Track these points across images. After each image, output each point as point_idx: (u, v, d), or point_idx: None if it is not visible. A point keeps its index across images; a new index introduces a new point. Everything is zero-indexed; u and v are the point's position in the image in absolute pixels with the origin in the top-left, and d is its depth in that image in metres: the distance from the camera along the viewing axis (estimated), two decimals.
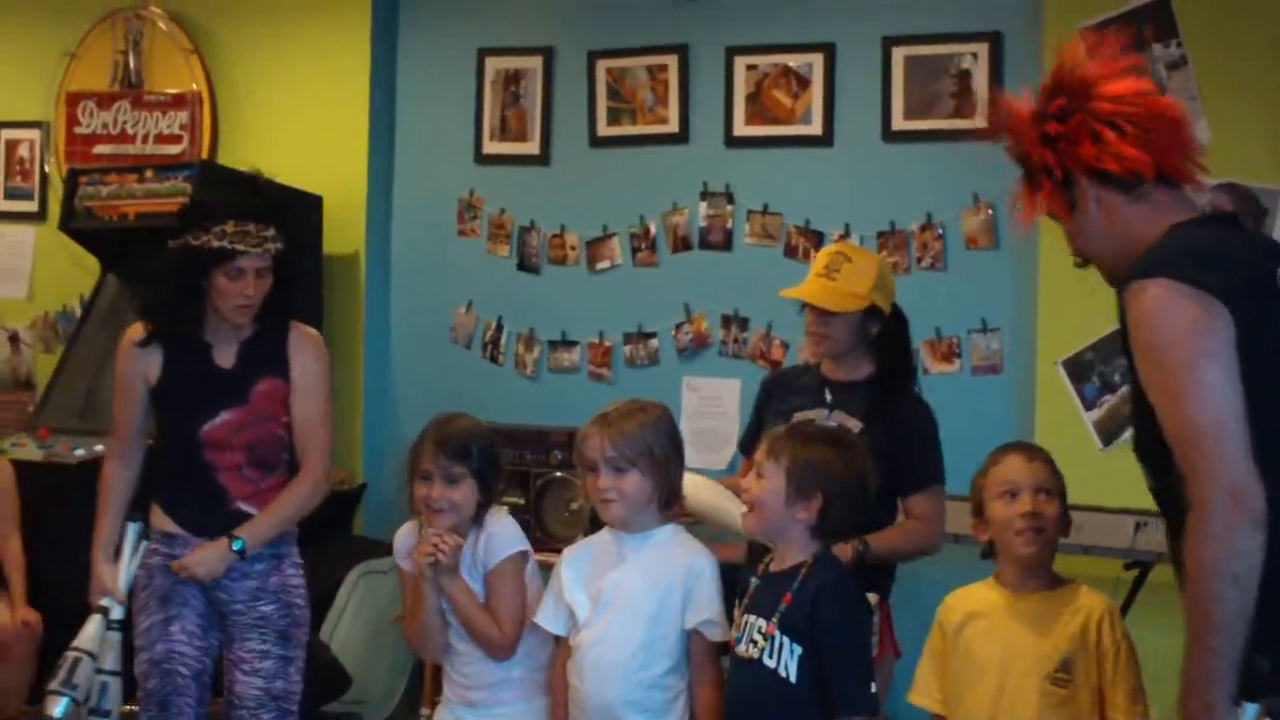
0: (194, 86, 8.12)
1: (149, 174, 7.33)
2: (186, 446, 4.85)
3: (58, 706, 4.74)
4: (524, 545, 4.33)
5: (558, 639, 4.25)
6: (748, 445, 5.13)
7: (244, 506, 4.88)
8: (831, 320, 4.89)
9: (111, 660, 4.87)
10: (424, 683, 6.54)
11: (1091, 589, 4.07)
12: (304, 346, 5.02)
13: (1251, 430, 2.91)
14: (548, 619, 4.22)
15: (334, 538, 7.16)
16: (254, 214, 4.81)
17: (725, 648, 4.07)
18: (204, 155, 7.96)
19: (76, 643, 4.81)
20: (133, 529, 4.94)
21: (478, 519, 4.33)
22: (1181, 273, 2.99)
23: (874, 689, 3.76)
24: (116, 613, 4.90)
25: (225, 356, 4.91)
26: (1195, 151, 3.31)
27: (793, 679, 3.77)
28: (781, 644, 3.81)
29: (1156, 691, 4.83)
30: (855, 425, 4.79)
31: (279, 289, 4.91)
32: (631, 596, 4.06)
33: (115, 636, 4.89)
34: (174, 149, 8.07)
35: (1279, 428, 2.95)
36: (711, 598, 4.03)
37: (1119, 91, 3.24)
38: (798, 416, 4.82)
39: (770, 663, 3.81)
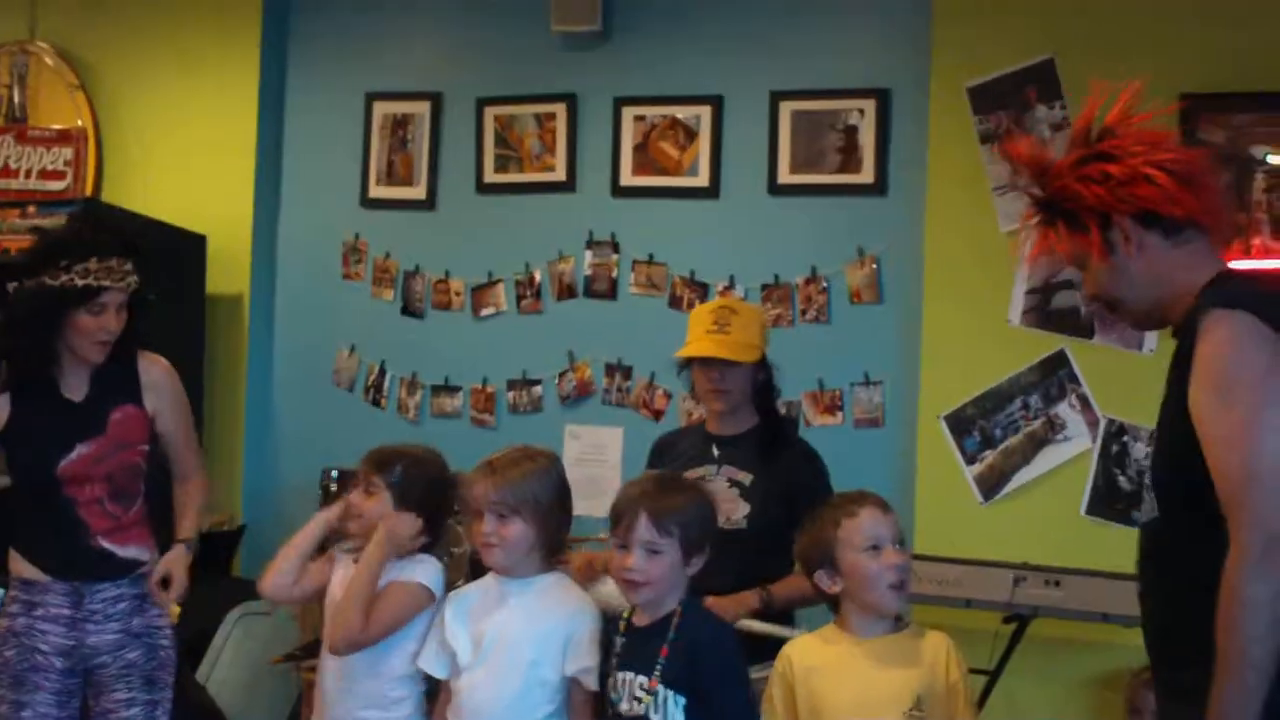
0: (79, 123, 8.03)
1: (32, 209, 7.25)
2: (44, 484, 4.77)
3: None
4: (435, 587, 4.28)
5: (439, 682, 4.22)
6: None
7: (105, 544, 4.82)
8: (730, 373, 4.93)
9: None
10: None
11: (930, 628, 4.09)
12: (153, 370, 5.00)
13: None
14: (429, 662, 4.20)
15: (213, 578, 7.09)
16: (114, 249, 4.77)
17: (602, 706, 4.07)
18: (88, 192, 7.87)
19: None
20: None
21: (410, 552, 4.33)
22: (1264, 311, 3.02)
23: None
24: None
25: (75, 389, 4.84)
26: (1229, 207, 3.34)
27: None
28: (665, 697, 3.81)
29: None
30: (746, 477, 4.85)
31: (129, 321, 4.85)
32: (513, 641, 4.05)
33: None
34: (58, 185, 7.98)
35: None
36: (592, 646, 4.02)
37: (1159, 139, 3.28)
38: (687, 475, 4.77)
39: (657, 718, 3.81)
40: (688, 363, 5.05)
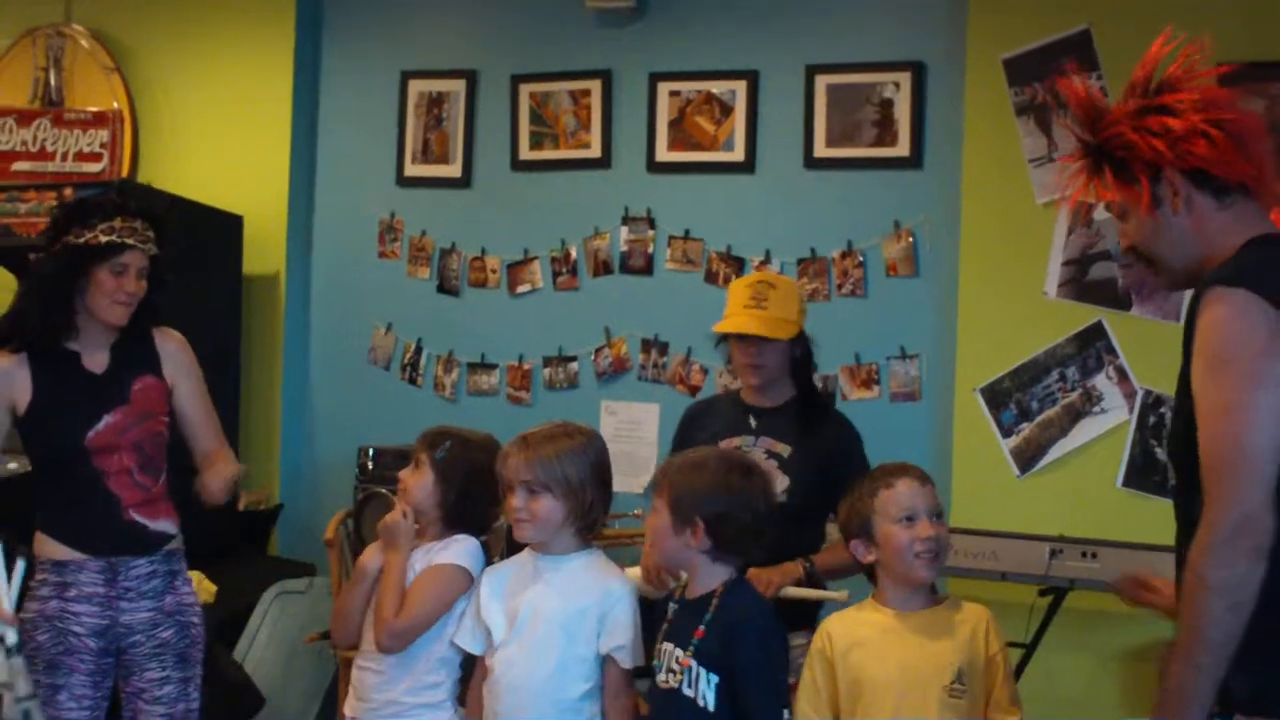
0: (115, 105, 8.06)
1: (68, 192, 7.21)
2: (72, 458, 4.77)
3: None
4: (470, 565, 4.28)
5: (474, 659, 4.23)
6: None
7: (137, 517, 4.83)
8: (767, 349, 4.95)
9: (24, 686, 4.81)
10: (339, 703, 6.50)
11: (969, 601, 4.09)
12: (169, 344, 5.01)
13: None
14: (465, 638, 4.20)
15: (250, 557, 7.13)
16: (141, 213, 4.80)
17: (645, 672, 4.07)
18: (124, 174, 7.90)
19: None
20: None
21: (438, 532, 4.36)
22: (1264, 287, 2.99)
23: (787, 715, 3.75)
24: (11, 638, 4.83)
25: (96, 361, 4.84)
26: (1275, 171, 3.31)
27: (711, 707, 3.77)
28: (698, 674, 3.81)
29: (1074, 712, 4.90)
30: (785, 449, 4.86)
31: (147, 294, 4.86)
32: (547, 618, 4.04)
33: (18, 662, 4.83)
34: (94, 167, 8.01)
35: None
36: (626, 624, 4.02)
37: (1219, 99, 3.24)
38: (724, 444, 4.84)
39: (689, 693, 3.81)
40: (724, 337, 5.05)
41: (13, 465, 6.26)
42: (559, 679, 4.02)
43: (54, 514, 4.83)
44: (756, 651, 3.77)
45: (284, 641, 6.67)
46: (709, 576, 3.91)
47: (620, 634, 4.00)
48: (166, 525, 4.91)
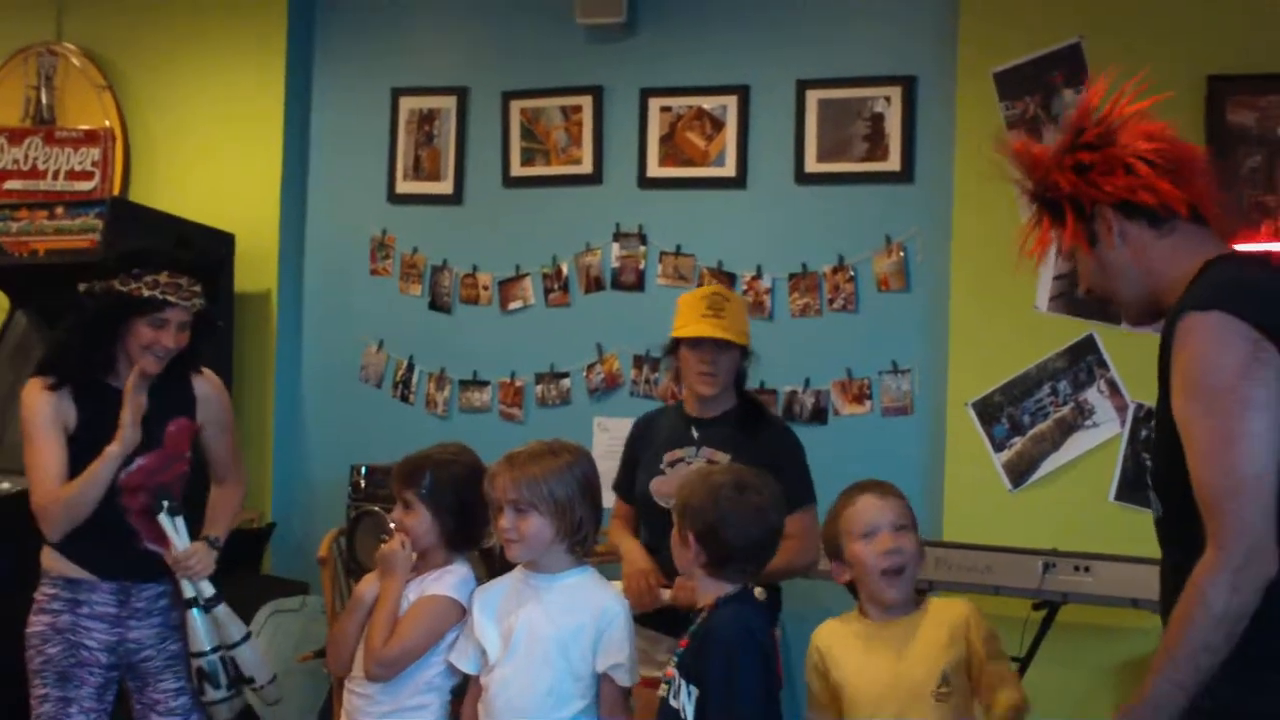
0: (106, 123, 8.06)
1: (60, 210, 7.24)
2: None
3: (222, 712, 4.97)
4: (462, 596, 4.28)
5: (469, 677, 4.23)
6: (621, 488, 5.37)
7: (152, 547, 4.90)
8: (723, 357, 5.13)
9: (229, 634, 4.95)
10: None
11: (946, 597, 4.09)
12: (206, 388, 5.12)
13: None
14: (459, 657, 4.21)
15: (243, 576, 7.11)
16: (188, 269, 4.86)
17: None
18: (115, 192, 7.90)
19: (192, 649, 4.90)
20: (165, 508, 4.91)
21: (441, 558, 4.37)
22: (1236, 307, 2.97)
23: None
24: (207, 591, 4.93)
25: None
26: (1224, 199, 3.30)
27: (689, 719, 3.78)
28: (680, 685, 3.83)
29: None
30: (724, 458, 4.98)
31: (191, 342, 4.94)
32: (542, 637, 4.05)
33: (220, 610, 4.95)
34: (86, 185, 8.01)
35: None
36: (623, 641, 4.03)
37: (1149, 130, 3.23)
38: (668, 456, 5.11)
39: (674, 704, 3.84)
40: (675, 348, 5.21)
41: (5, 485, 6.27)
42: (554, 697, 4.02)
43: (69, 537, 4.86)
44: (722, 670, 3.76)
45: (278, 660, 6.63)
46: (706, 590, 3.94)
47: (617, 652, 4.01)
48: None
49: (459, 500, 4.33)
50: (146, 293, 4.75)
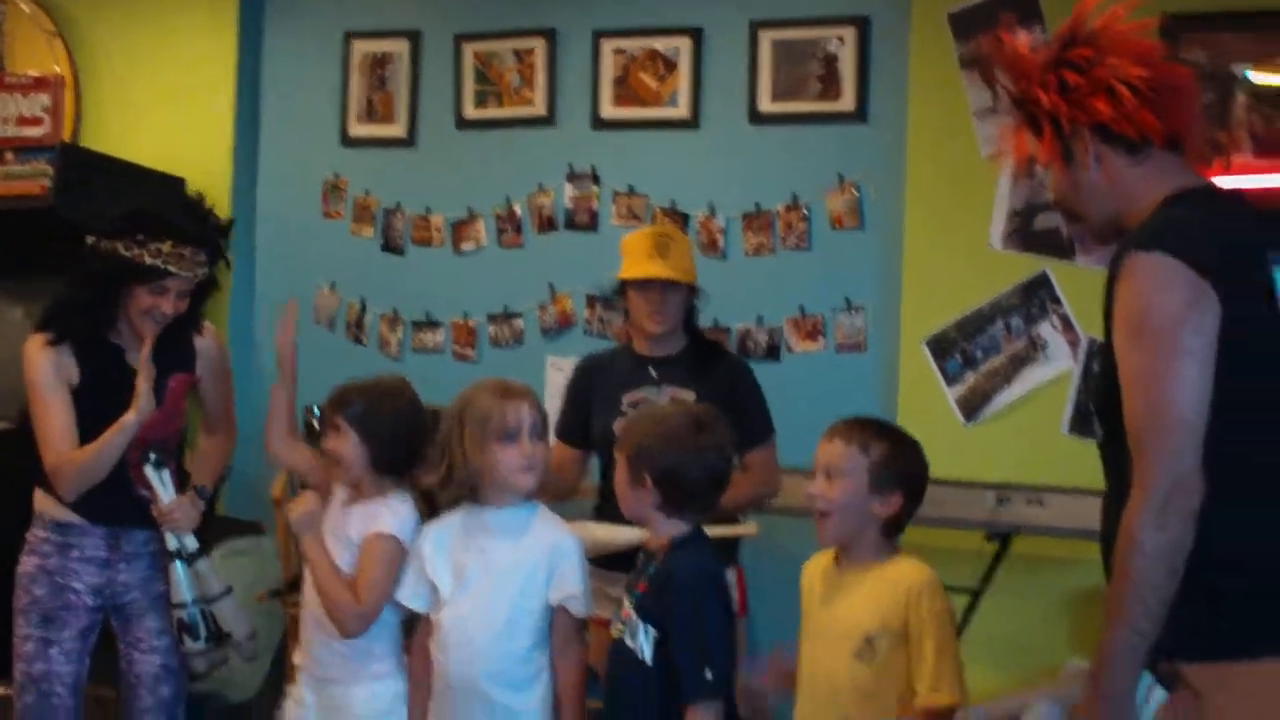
0: (56, 69, 7.98)
1: (10, 157, 7.20)
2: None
3: (200, 664, 5.04)
4: (400, 533, 4.27)
5: (417, 615, 4.24)
6: (565, 431, 5.36)
7: (144, 493, 4.95)
8: (671, 297, 5.16)
9: (210, 587, 5.01)
10: (287, 662, 6.50)
11: (917, 561, 3.96)
12: (206, 343, 5.19)
13: (1212, 414, 2.96)
14: (408, 595, 4.20)
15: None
16: (190, 238, 4.88)
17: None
18: (66, 138, 7.83)
19: (173, 600, 4.94)
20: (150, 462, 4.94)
21: (375, 493, 4.35)
22: (1179, 249, 2.99)
23: (710, 675, 3.72)
24: (190, 545, 4.99)
25: (138, 358, 4.89)
26: (1202, 125, 3.30)
27: (648, 661, 3.80)
28: (638, 627, 3.84)
29: (1020, 656, 4.92)
30: (689, 395, 4.99)
31: (191, 306, 5.00)
32: (496, 572, 4.06)
33: (202, 564, 5.01)
34: (36, 131, 7.93)
35: (1238, 415, 2.99)
36: (576, 573, 4.04)
37: (1140, 52, 3.23)
38: (628, 397, 5.10)
39: (631, 644, 3.85)
40: (623, 290, 5.26)
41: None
42: (509, 631, 4.04)
43: None
44: (686, 610, 3.77)
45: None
46: (662, 531, 3.93)
47: (570, 584, 4.03)
48: None
49: (388, 427, 4.33)
50: (149, 261, 4.78)
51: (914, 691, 3.79)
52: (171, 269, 4.79)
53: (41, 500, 4.97)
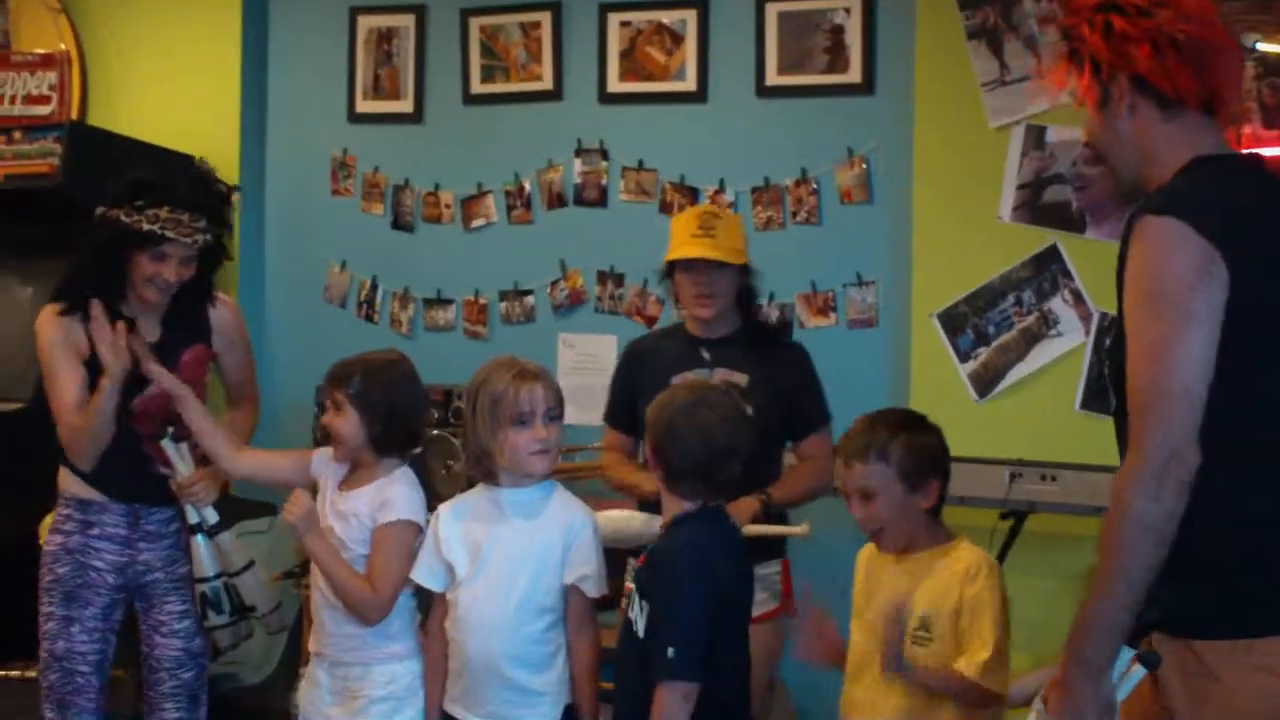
0: (62, 46, 7.96)
1: (18, 135, 7.18)
2: (117, 419, 4.87)
3: (225, 638, 5.07)
4: (417, 517, 4.30)
5: (434, 595, 4.24)
6: (615, 416, 5.25)
7: (164, 471, 4.95)
8: (719, 278, 4.99)
9: (232, 561, 5.03)
10: (302, 644, 6.50)
11: (971, 544, 4.05)
12: (222, 313, 5.18)
13: (1218, 381, 2.94)
14: (424, 575, 4.21)
15: None
16: (188, 204, 4.86)
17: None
18: (74, 116, 7.82)
19: (196, 575, 4.98)
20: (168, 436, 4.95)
21: (378, 471, 4.35)
22: (1193, 216, 2.97)
23: (672, 653, 3.71)
24: (210, 518, 5.02)
25: (149, 330, 4.95)
26: (1241, 93, 3.27)
27: (642, 634, 3.82)
28: (635, 600, 3.87)
29: (1036, 635, 4.92)
30: (742, 379, 4.88)
31: (200, 274, 4.99)
32: (512, 552, 4.08)
33: (224, 538, 5.03)
34: (43, 110, 7.91)
35: (1243, 387, 2.99)
36: (590, 553, 4.07)
37: (1194, 10, 3.18)
38: (677, 379, 4.83)
39: (632, 616, 3.88)
40: (671, 271, 5.09)
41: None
42: (525, 611, 4.06)
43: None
44: (664, 586, 3.80)
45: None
46: (668, 507, 3.96)
47: (584, 564, 4.05)
48: None
49: (388, 404, 4.33)
50: (146, 227, 4.77)
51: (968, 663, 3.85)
52: (169, 234, 4.78)
53: (65, 478, 5.00)
